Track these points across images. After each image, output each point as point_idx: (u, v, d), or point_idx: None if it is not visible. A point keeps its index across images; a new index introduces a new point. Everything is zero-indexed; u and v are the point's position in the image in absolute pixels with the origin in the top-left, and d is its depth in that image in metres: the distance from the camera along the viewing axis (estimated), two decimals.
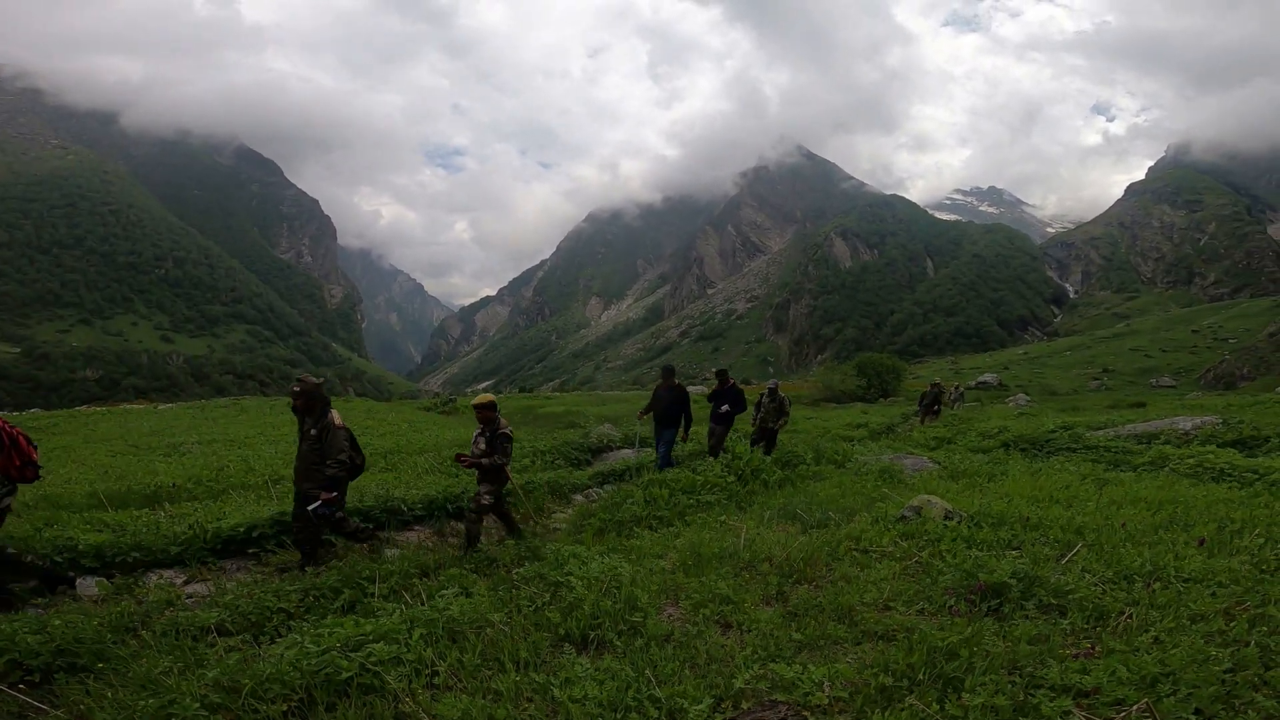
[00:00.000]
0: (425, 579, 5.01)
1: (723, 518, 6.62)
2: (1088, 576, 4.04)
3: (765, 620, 3.64)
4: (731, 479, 8.76)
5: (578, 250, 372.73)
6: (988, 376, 57.62)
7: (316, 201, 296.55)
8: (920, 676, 2.72)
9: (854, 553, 5.29)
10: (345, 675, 2.97)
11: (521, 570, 4.88)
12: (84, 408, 34.24)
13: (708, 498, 7.83)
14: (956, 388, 23.65)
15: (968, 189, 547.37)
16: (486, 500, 5.90)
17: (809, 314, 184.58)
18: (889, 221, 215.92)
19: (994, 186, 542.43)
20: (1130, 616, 3.27)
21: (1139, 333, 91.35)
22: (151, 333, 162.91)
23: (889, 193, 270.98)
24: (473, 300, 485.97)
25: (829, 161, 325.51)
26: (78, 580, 5.00)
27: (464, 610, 3.78)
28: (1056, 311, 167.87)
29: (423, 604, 4.08)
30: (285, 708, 2.76)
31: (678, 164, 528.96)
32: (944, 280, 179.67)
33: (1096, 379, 59.92)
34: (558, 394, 52.06)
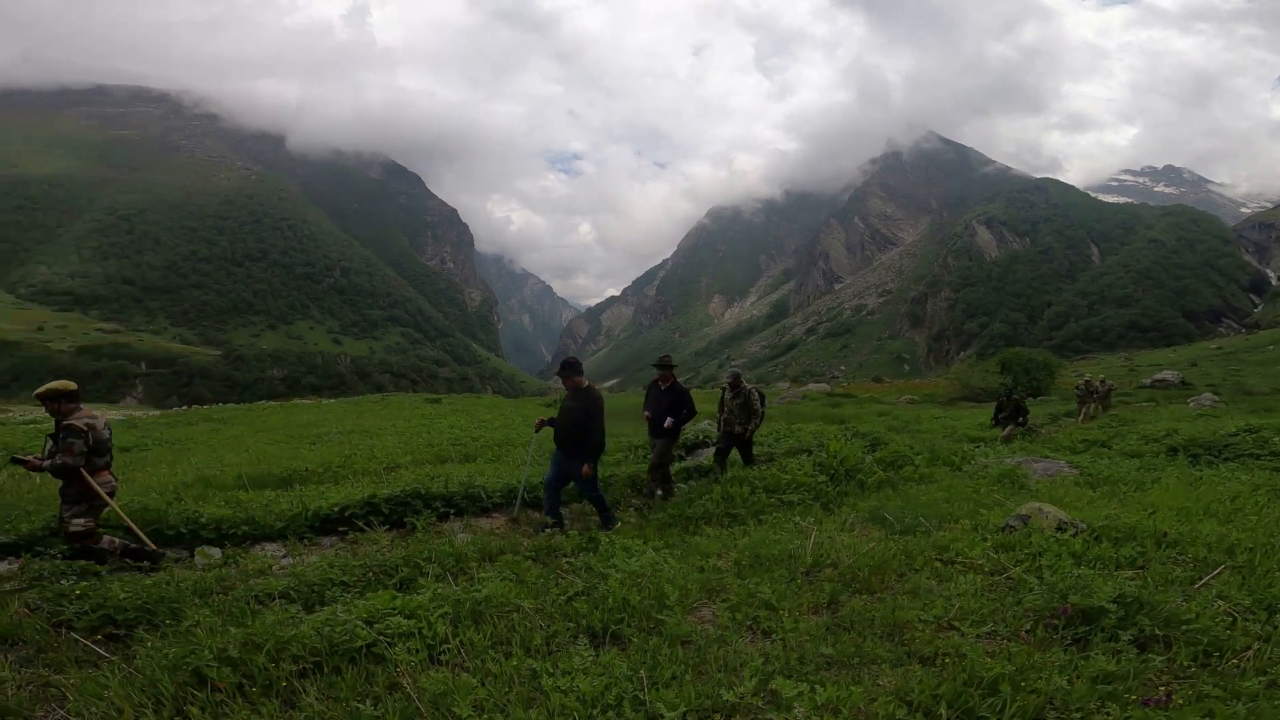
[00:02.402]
0: (488, 563, 5.13)
1: (796, 518, 6.21)
2: (1219, 605, 3.31)
3: (803, 630, 3.32)
4: (822, 478, 8.24)
5: (698, 248, 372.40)
6: (1167, 374, 50.28)
7: (455, 210, 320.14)
8: (941, 711, 2.33)
9: (936, 563, 4.75)
10: (359, 644, 3.09)
11: (571, 560, 4.86)
12: (262, 403, 39.23)
13: (791, 497, 7.41)
14: (1103, 381, 20.86)
15: (1138, 169, 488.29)
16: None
17: (949, 308, 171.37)
18: (1041, 207, 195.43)
19: (1170, 165, 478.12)
20: (1252, 655, 2.61)
21: None
22: (324, 336, 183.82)
23: (1039, 176, 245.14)
24: (599, 300, 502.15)
25: (965, 146, 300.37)
26: (199, 549, 5.65)
27: (495, 593, 3.81)
28: (1256, 301, 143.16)
29: (471, 585, 4.19)
30: (296, 668, 2.92)
31: (796, 157, 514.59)
32: (1113, 268, 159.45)
33: None
34: None
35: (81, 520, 4.82)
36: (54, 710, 2.84)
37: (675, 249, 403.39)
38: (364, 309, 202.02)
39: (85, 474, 4.75)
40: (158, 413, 35.65)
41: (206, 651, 2.98)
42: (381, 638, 3.23)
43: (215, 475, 9.96)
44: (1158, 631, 2.97)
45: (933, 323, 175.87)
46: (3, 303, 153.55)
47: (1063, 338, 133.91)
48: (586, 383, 6.64)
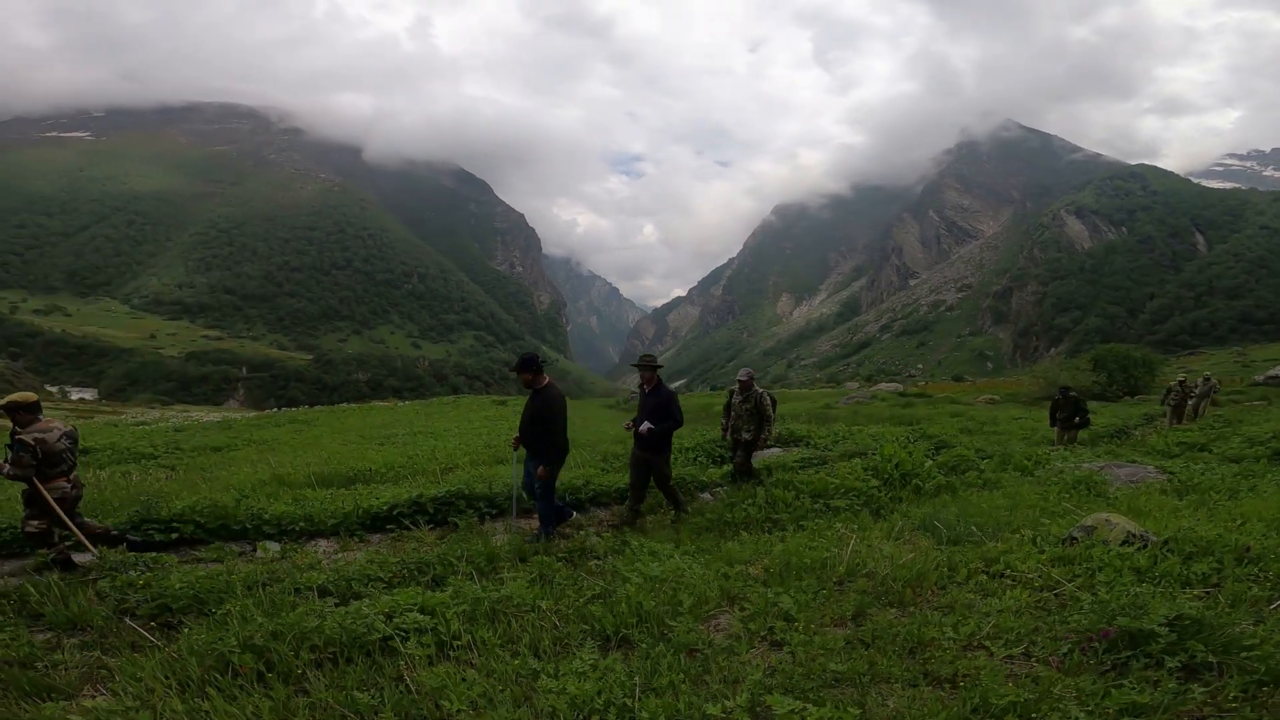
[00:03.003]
0: (521, 563, 5.21)
1: (839, 525, 5.99)
2: None
3: (818, 644, 3.19)
4: (875, 483, 7.92)
5: (764, 246, 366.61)
6: None
7: (523, 215, 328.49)
8: None
9: (981, 576, 4.47)
10: (376, 637, 3.21)
11: (600, 563, 4.87)
12: (342, 405, 41.45)
13: (839, 503, 7.16)
14: (1205, 379, 19.02)
15: (1244, 153, 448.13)
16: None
17: (1037, 302, 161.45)
18: (1138, 194, 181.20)
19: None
20: None
21: None
22: (404, 340, 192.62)
23: (1134, 163, 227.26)
24: (665, 301, 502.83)
25: (1048, 134, 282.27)
26: (260, 543, 6.01)
27: (515, 593, 3.87)
28: None
29: (498, 584, 4.27)
30: (314, 657, 3.05)
31: (864, 151, 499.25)
32: (1222, 257, 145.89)
33: None
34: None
35: (35, 522, 5.14)
36: (99, 689, 3.08)
37: (741, 247, 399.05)
38: (440, 314, 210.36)
39: (36, 483, 5.07)
40: (252, 414, 38.35)
41: (232, 639, 3.17)
42: (399, 632, 3.35)
43: (289, 474, 10.58)
44: (1211, 658, 2.67)
45: (1019, 318, 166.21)
46: (118, 312, 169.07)
47: (1167, 332, 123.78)
48: (546, 380, 6.26)
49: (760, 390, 8.11)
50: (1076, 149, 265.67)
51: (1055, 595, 3.97)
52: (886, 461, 8.62)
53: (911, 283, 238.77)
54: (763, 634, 3.38)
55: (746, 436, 8.06)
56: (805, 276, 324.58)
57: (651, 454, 6.82)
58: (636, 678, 2.75)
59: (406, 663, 3.07)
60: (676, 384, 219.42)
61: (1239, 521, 5.62)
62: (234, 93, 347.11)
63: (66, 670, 3.29)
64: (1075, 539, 5.14)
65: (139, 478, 10.87)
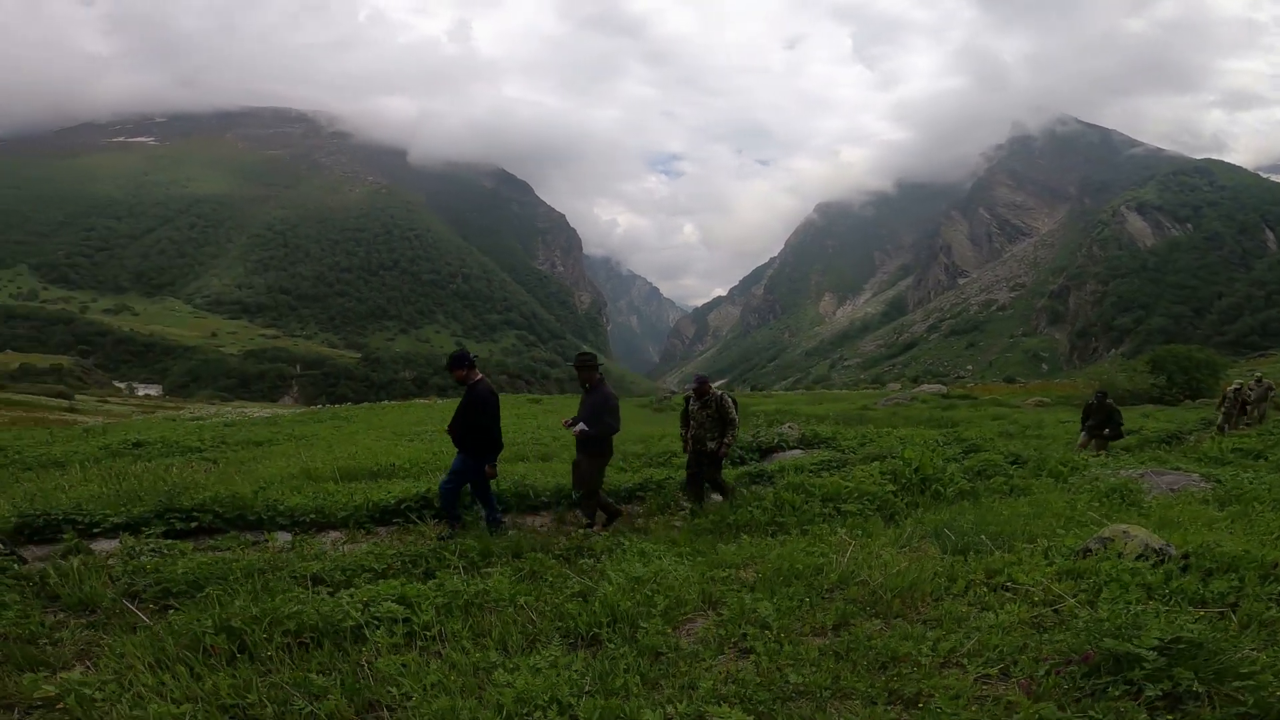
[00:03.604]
0: (516, 558, 5.24)
1: (842, 531, 5.84)
2: None
3: (787, 654, 3.12)
4: (890, 487, 7.70)
5: (806, 245, 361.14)
6: None
7: (563, 215, 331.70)
8: None
9: (982, 588, 4.29)
10: (349, 624, 3.29)
11: (590, 561, 4.87)
12: (383, 403, 42.56)
13: (850, 507, 6.98)
14: (1258, 381, 17.84)
15: None
16: None
17: (1096, 301, 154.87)
18: (1204, 190, 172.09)
19: None
20: None
21: None
22: (448, 339, 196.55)
23: (1199, 157, 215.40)
24: (705, 301, 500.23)
25: (1106, 128, 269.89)
26: (271, 534, 6.21)
27: (495, 588, 3.90)
28: None
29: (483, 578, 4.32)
30: (285, 641, 3.15)
31: (908, 147, 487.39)
32: None
33: None
34: (775, 392, 51.00)
35: None
36: (86, 665, 3.24)
37: (783, 246, 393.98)
38: (483, 313, 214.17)
39: None
40: (298, 410, 39.75)
41: (208, 620, 3.31)
42: (373, 620, 3.42)
43: (317, 468, 10.90)
44: (1198, 687, 2.49)
45: (1076, 318, 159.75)
46: (182, 312, 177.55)
47: (1236, 333, 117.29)
48: (479, 376, 6.24)
49: (719, 392, 7.51)
50: (1137, 143, 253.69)
51: (1055, 611, 3.78)
52: (906, 465, 8.37)
53: (961, 281, 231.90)
54: (733, 640, 3.32)
55: (711, 445, 7.30)
56: (849, 275, 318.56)
57: (585, 457, 6.57)
58: (588, 678, 2.74)
59: (373, 650, 3.13)
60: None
61: (1276, 535, 5.26)
62: (285, 97, 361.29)
63: (63, 647, 3.47)
64: (1090, 551, 4.89)
65: (180, 471, 11.36)
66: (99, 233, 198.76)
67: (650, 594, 3.76)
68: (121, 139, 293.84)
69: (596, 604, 3.58)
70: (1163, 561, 4.48)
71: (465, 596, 3.76)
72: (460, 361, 6.28)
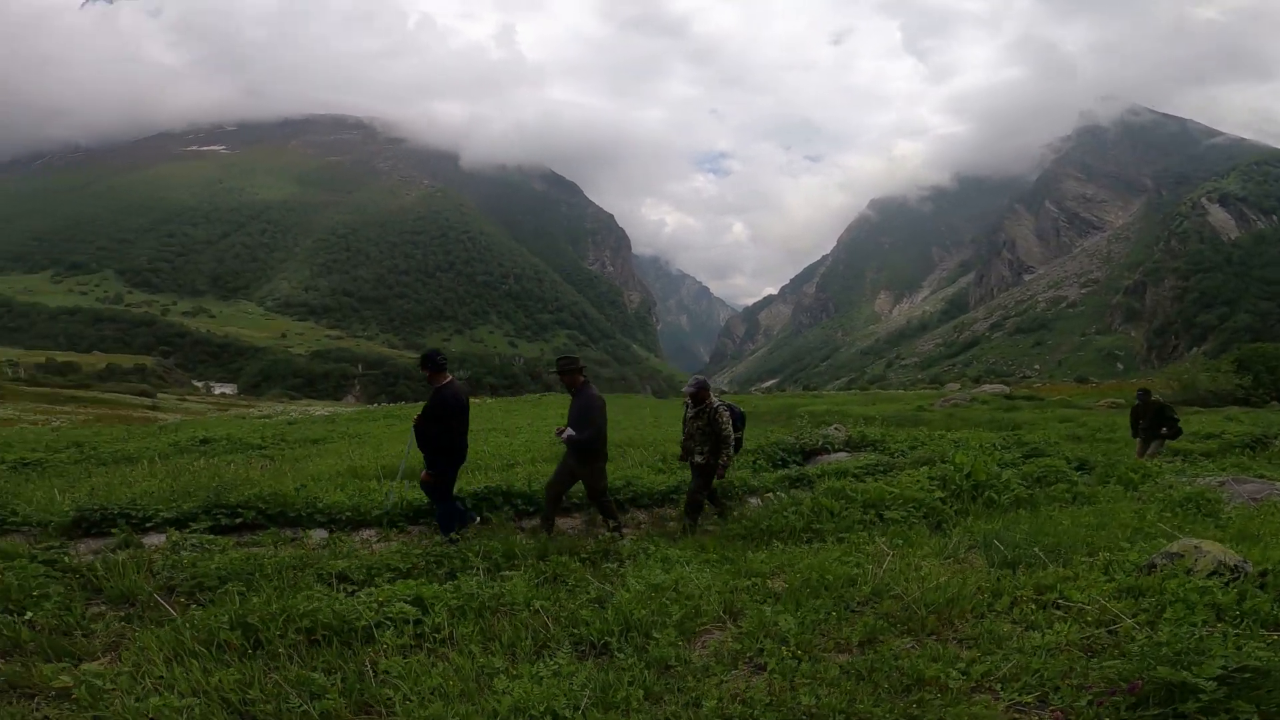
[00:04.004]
0: (541, 560, 5.18)
1: (880, 540, 5.55)
2: None
3: (803, 672, 2.93)
4: (939, 494, 7.31)
5: (860, 242, 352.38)
6: None
7: (612, 216, 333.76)
8: None
9: (1030, 605, 3.98)
10: (362, 624, 3.29)
11: (610, 566, 4.77)
12: None
13: (894, 514, 6.65)
14: None
15: None
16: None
17: (1176, 297, 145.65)
18: None
19: None
20: None
21: None
22: (501, 339, 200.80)
23: None
24: (755, 299, 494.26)
25: (1182, 118, 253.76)
26: (307, 530, 6.35)
27: (511, 591, 3.85)
28: None
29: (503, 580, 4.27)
30: (296, 639, 3.17)
31: (967, 140, 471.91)
32: None
33: None
34: (827, 392, 49.96)
35: None
36: (113, 656, 3.34)
37: (835, 244, 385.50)
38: (535, 313, 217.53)
39: None
40: (357, 408, 41.21)
41: (224, 616, 3.38)
42: (386, 620, 3.41)
43: (363, 466, 11.20)
44: None
45: (1154, 315, 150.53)
46: (254, 314, 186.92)
47: None
48: (447, 379, 6.05)
49: (717, 402, 6.68)
50: (1216, 133, 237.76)
51: (1109, 633, 3.46)
52: (956, 470, 7.94)
53: (1026, 278, 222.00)
54: (750, 655, 3.15)
55: (699, 459, 6.61)
56: (906, 272, 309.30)
57: (577, 463, 6.31)
58: (588, 689, 2.63)
59: (382, 650, 3.12)
60: (767, 384, 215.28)
61: None
62: (342, 105, 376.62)
63: (95, 639, 3.59)
64: (1155, 567, 4.50)
65: (237, 467, 11.85)
66: (177, 239, 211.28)
67: (666, 603, 3.62)
68: (195, 147, 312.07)
69: (610, 612, 3.48)
70: (1237, 579, 4.07)
71: (480, 599, 3.71)
72: (429, 361, 6.07)
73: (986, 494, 7.58)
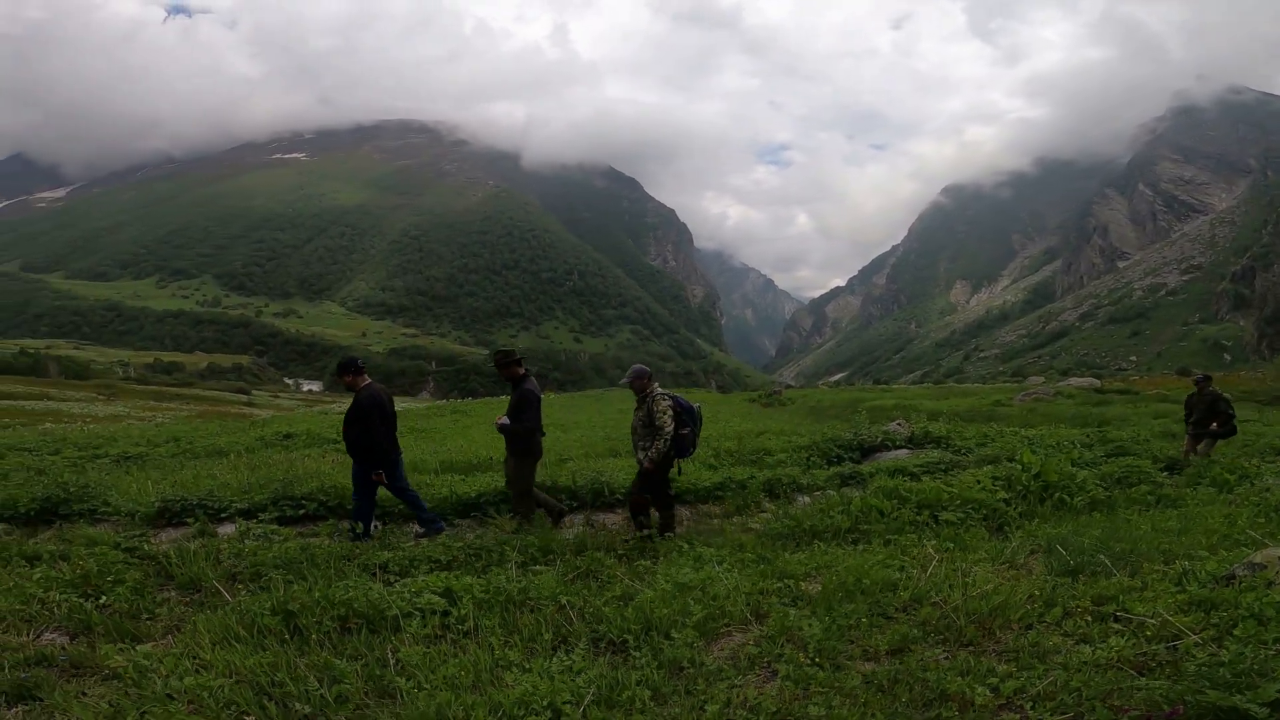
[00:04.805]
0: (578, 556, 5.24)
1: (932, 542, 5.31)
2: None
3: (820, 681, 2.83)
4: (1002, 494, 6.91)
5: (933, 231, 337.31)
6: None
7: (673, 210, 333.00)
8: None
9: (1085, 616, 3.71)
10: (392, 613, 3.43)
11: (644, 563, 4.77)
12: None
13: (949, 516, 6.33)
14: None
15: None
16: None
17: None
18: None
19: None
20: None
21: None
22: (567, 335, 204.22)
23: None
24: (822, 292, 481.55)
25: None
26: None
27: (538, 586, 3.92)
28: None
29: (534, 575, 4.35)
30: (331, 626, 3.34)
31: (1048, 124, 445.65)
32: None
33: None
34: (897, 386, 48.25)
35: None
36: (169, 639, 3.61)
37: (906, 233, 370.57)
38: (599, 309, 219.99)
39: None
40: (427, 404, 42.88)
41: (267, 603, 3.60)
42: (415, 610, 3.54)
43: (423, 460, 11.60)
44: None
45: (1265, 303, 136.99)
46: (337, 314, 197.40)
47: None
48: (365, 382, 6.15)
49: (659, 390, 5.99)
50: None
51: (1169, 649, 3.18)
52: (1024, 470, 7.48)
53: (1120, 265, 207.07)
54: (768, 660, 3.07)
55: (640, 456, 5.93)
56: (983, 261, 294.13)
57: (510, 456, 6.34)
58: (595, 686, 2.64)
59: (407, 639, 3.24)
60: (835, 378, 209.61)
61: None
62: (408, 110, 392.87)
63: (157, 622, 3.88)
64: (1235, 577, 4.10)
65: (310, 461, 12.54)
66: (267, 244, 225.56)
67: (690, 603, 3.59)
68: (278, 156, 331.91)
69: (630, 610, 3.47)
70: None
71: (507, 593, 3.79)
72: (347, 368, 6.19)
73: (1057, 495, 7.12)
